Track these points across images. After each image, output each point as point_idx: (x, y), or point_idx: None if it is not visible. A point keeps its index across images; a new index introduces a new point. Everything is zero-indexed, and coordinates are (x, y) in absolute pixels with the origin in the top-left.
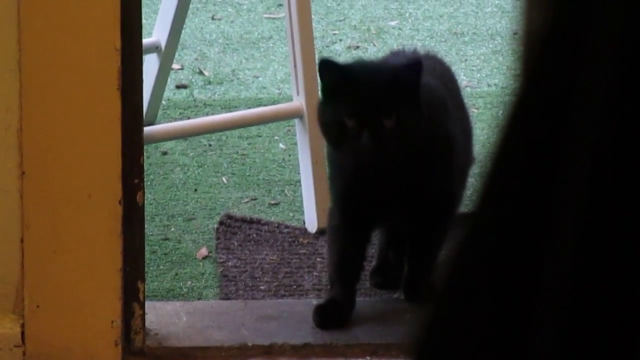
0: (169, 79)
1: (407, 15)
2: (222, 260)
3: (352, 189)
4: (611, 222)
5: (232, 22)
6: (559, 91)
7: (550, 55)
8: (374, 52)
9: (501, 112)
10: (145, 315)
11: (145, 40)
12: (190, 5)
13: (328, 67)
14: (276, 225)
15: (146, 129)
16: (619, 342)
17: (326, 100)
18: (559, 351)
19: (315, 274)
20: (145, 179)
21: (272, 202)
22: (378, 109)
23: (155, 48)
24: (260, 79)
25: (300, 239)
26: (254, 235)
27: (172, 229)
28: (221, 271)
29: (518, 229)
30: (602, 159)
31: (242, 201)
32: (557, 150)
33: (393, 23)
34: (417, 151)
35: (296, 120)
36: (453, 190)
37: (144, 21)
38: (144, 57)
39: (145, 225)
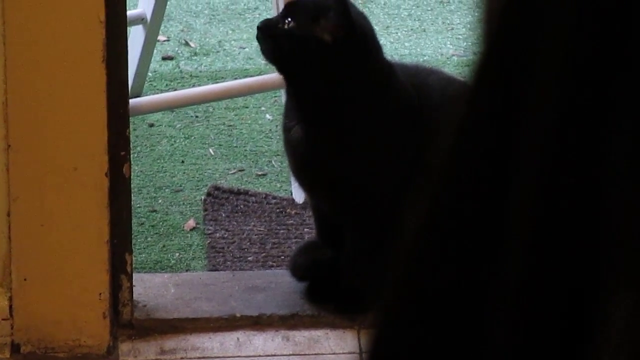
0: (155, 51)
1: None
2: (209, 232)
3: (290, 166)
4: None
5: None
6: (516, 59)
7: (507, 26)
8: None
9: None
10: (133, 288)
11: (131, 12)
12: None
13: None
14: (263, 196)
15: (132, 101)
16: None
17: None
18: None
19: None
20: (132, 151)
21: (259, 173)
22: (287, 11)
23: (140, 20)
24: (247, 49)
25: (288, 210)
26: (242, 207)
27: (160, 201)
28: (209, 242)
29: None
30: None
31: (230, 172)
32: (515, 119)
33: None
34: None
35: (282, 91)
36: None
37: None
38: (129, 29)
39: (133, 198)
